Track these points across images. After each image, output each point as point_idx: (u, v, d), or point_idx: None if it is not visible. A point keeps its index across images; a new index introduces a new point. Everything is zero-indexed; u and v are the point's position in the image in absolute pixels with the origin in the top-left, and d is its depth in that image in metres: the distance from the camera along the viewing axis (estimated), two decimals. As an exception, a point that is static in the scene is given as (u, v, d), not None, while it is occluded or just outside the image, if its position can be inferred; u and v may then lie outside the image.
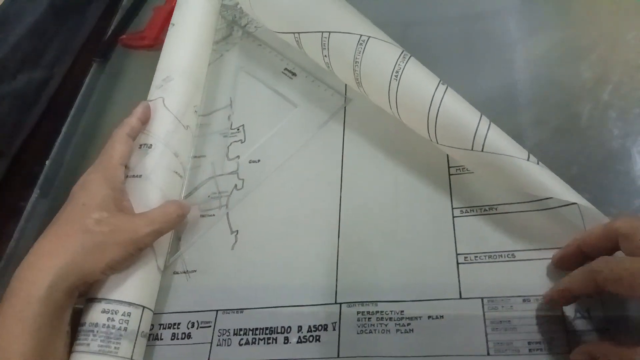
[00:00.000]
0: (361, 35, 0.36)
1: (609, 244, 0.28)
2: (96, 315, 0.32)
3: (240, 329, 0.34)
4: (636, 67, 0.38)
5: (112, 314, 0.32)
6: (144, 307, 0.34)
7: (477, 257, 0.33)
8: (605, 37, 0.41)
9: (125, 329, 0.32)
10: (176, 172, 0.39)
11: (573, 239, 0.30)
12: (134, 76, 0.52)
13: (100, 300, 0.32)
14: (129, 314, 0.32)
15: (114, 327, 0.32)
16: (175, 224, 0.36)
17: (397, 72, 0.35)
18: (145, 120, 0.39)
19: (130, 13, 0.57)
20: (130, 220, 0.33)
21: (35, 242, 0.32)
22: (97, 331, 0.31)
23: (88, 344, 0.31)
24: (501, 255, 0.33)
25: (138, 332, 0.33)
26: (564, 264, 0.31)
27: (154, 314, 0.36)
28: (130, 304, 0.33)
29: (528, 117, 0.38)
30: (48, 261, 0.30)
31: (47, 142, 0.48)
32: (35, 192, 0.44)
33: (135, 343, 0.32)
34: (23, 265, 0.31)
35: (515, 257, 0.33)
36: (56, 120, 0.50)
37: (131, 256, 0.33)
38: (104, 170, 0.35)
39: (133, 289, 0.33)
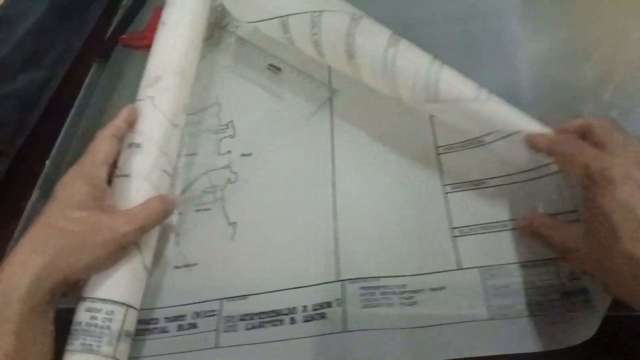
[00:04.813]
0: (354, 14, 0.37)
1: (579, 133, 0.31)
2: (80, 313, 0.32)
3: (246, 314, 0.35)
4: (639, 67, 0.39)
5: (95, 312, 0.32)
6: (128, 305, 0.33)
7: (471, 229, 0.35)
8: (608, 37, 0.41)
9: (109, 327, 0.31)
10: (165, 171, 0.38)
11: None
12: (134, 76, 0.51)
13: (84, 299, 0.32)
14: (112, 312, 0.32)
15: (96, 325, 0.31)
16: (159, 221, 0.35)
17: (390, 48, 0.36)
18: (132, 122, 0.39)
19: (131, 13, 0.57)
20: (111, 219, 0.33)
21: (17, 242, 0.32)
22: (80, 329, 0.31)
23: (72, 343, 0.31)
24: (494, 226, 0.34)
25: (122, 330, 0.32)
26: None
27: (158, 309, 0.36)
28: (113, 302, 0.32)
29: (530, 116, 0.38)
30: (27, 261, 0.30)
31: (48, 141, 0.48)
32: (36, 192, 0.44)
33: (118, 341, 0.32)
34: (4, 265, 0.31)
35: (507, 226, 0.34)
36: (57, 120, 0.49)
37: (113, 255, 0.33)
38: (85, 168, 0.35)
39: (117, 288, 0.33)
